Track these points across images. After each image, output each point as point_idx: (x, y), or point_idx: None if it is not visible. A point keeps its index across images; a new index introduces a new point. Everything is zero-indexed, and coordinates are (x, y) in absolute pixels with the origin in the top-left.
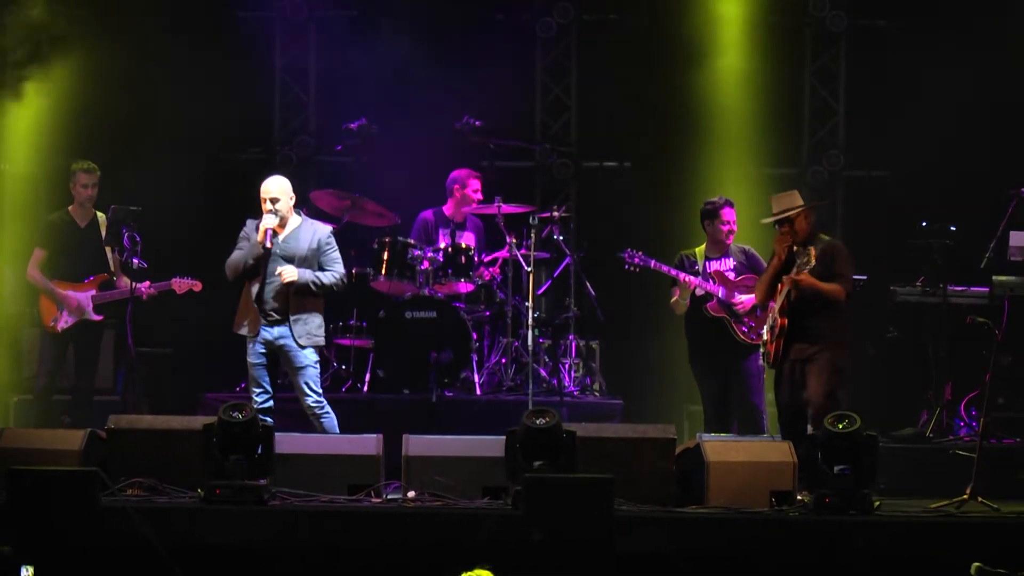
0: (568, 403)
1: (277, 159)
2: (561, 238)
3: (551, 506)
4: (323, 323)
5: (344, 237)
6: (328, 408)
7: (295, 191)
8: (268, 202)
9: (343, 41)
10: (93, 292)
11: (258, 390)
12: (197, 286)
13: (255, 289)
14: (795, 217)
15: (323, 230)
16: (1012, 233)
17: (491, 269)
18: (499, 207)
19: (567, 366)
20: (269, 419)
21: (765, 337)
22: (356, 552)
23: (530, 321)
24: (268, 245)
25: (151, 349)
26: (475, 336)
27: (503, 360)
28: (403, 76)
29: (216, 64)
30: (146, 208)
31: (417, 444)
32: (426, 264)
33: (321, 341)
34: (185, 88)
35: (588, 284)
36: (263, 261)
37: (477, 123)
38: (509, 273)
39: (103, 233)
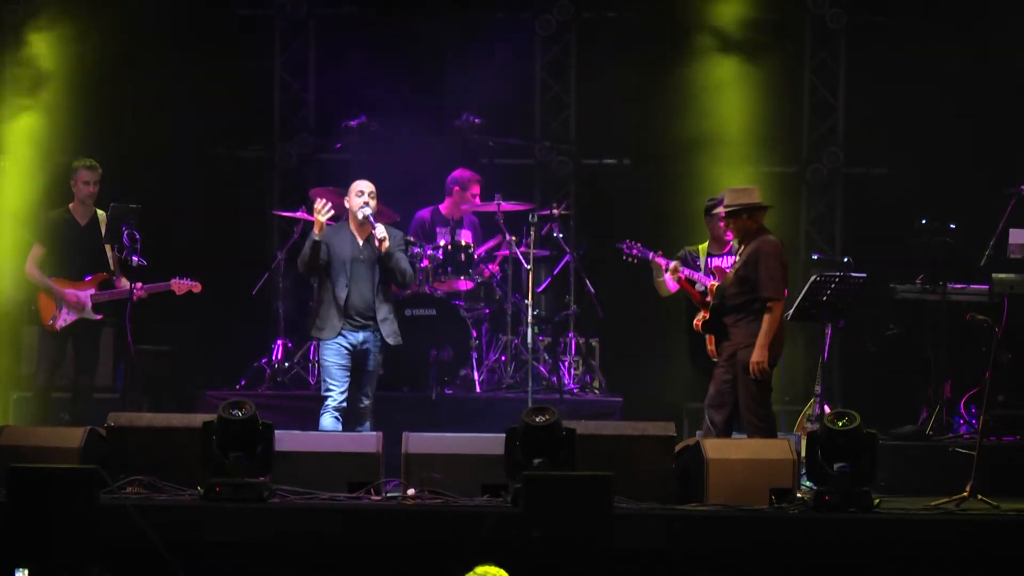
0: (568, 401)
1: (277, 156)
2: (561, 235)
3: (550, 504)
4: None
5: None
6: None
7: (293, 189)
8: (365, 194)
9: (343, 38)
10: (92, 291)
11: (338, 387)
12: (196, 287)
13: (343, 295)
14: (748, 212)
15: (397, 234)
16: (1012, 231)
17: (491, 266)
18: (499, 204)
19: (567, 364)
20: (339, 416)
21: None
22: (356, 550)
23: (530, 319)
24: (378, 235)
25: (151, 347)
26: (475, 334)
27: (503, 358)
28: (402, 73)
29: (216, 61)
30: (146, 206)
31: (417, 442)
32: (426, 262)
33: (400, 340)
34: (185, 85)
35: (588, 281)
36: (349, 268)
37: (476, 120)
38: (509, 271)
39: (103, 231)
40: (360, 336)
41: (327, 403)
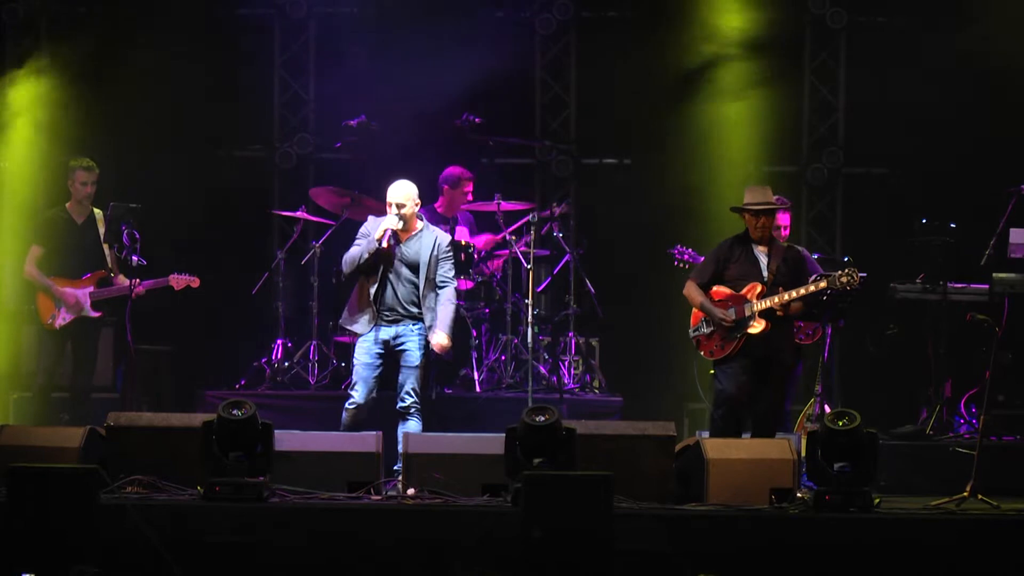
0: (568, 400)
1: (277, 156)
2: (561, 235)
3: (550, 503)
4: None
5: (343, 234)
6: (419, 410)
7: (293, 189)
8: (394, 206)
9: (342, 38)
10: (91, 289)
11: (363, 389)
12: (195, 282)
13: (373, 289)
14: (776, 213)
15: (444, 238)
16: (1012, 230)
17: (490, 264)
18: (498, 204)
19: (567, 363)
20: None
21: (705, 331)
22: (356, 549)
23: (530, 318)
24: (385, 245)
25: (150, 346)
26: (475, 333)
27: (503, 357)
28: (402, 73)
29: (216, 61)
30: (146, 205)
31: (417, 441)
32: None
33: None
34: (185, 85)
35: (588, 281)
36: (383, 261)
37: (477, 120)
38: (509, 270)
39: (100, 230)
40: (393, 330)
41: (347, 402)
